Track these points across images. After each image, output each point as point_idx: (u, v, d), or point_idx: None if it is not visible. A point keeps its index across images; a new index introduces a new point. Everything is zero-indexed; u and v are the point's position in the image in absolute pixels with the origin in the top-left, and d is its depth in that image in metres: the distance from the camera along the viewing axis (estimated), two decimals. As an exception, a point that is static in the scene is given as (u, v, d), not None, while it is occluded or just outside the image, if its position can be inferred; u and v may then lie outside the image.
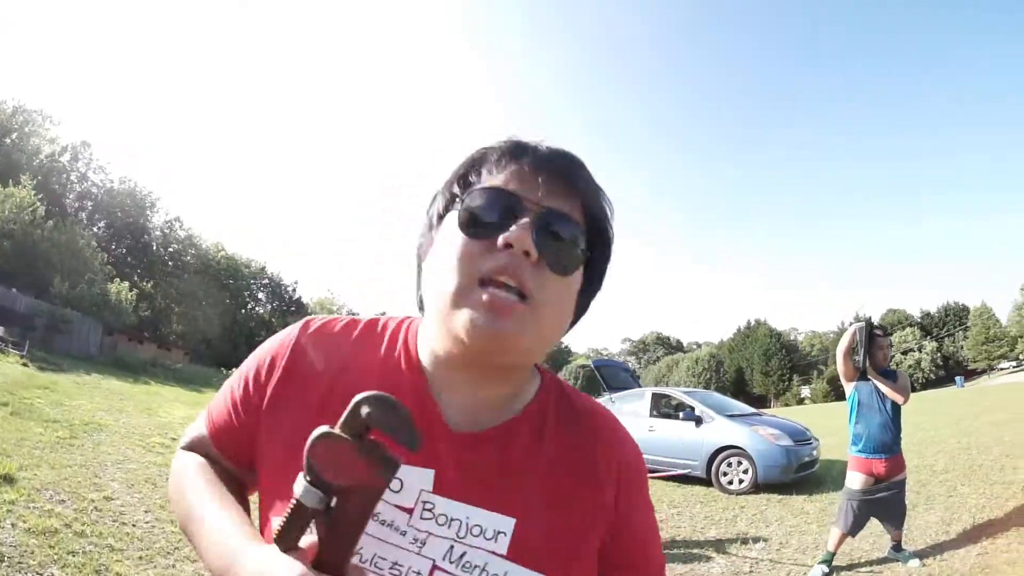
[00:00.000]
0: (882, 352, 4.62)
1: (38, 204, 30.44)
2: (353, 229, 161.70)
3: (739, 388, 71.26)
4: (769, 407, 53.46)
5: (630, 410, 9.86)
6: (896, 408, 4.55)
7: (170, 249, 51.06)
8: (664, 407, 10.40)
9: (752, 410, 10.85)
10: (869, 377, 4.60)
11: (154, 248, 49.72)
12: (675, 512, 6.73)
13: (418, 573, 0.62)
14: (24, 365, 13.52)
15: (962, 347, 69.23)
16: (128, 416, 9.78)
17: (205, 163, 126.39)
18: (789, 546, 5.32)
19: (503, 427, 0.69)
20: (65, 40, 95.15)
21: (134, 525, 4.33)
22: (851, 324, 4.76)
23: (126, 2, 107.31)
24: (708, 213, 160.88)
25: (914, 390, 5.01)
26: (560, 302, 0.67)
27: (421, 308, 0.74)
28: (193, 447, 0.81)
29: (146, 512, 4.68)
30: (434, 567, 0.62)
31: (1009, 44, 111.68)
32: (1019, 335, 61.95)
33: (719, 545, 5.44)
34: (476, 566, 0.62)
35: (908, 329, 69.60)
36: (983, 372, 61.95)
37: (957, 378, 47.37)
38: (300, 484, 0.51)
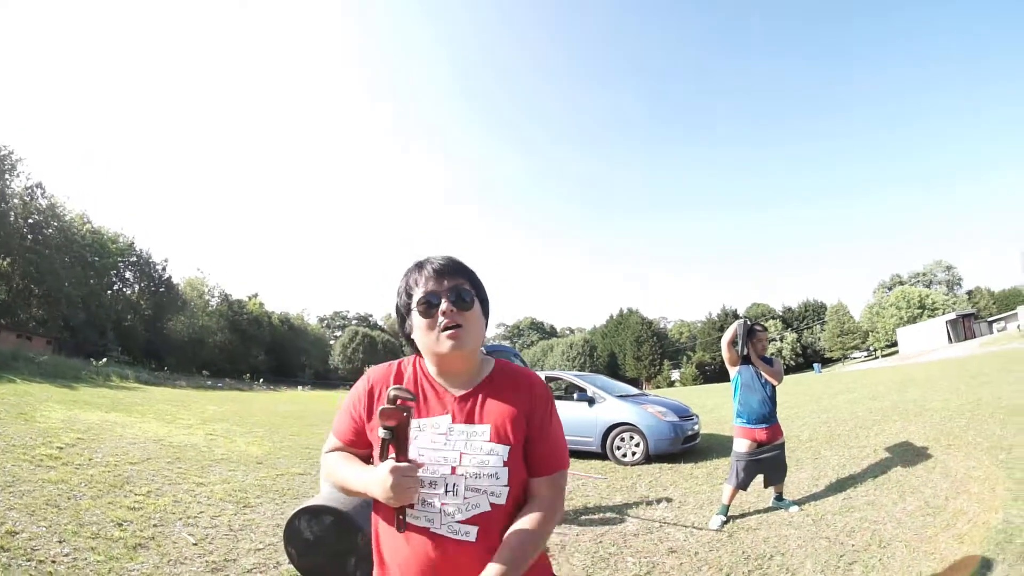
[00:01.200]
0: (762, 343, 5.55)
1: None
2: (228, 201, 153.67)
3: (612, 372, 74.25)
4: (641, 389, 55.80)
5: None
6: (773, 387, 5.49)
7: (30, 221, 42.06)
8: (556, 389, 10.98)
9: (638, 391, 11.63)
10: (751, 362, 5.47)
11: (12, 219, 40.10)
12: (580, 483, 7.23)
13: (454, 458, 1.38)
14: None
15: (819, 338, 76.93)
16: (1, 425, 8.41)
17: (69, 120, 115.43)
18: (688, 504, 5.96)
19: (476, 388, 1.47)
20: None
21: (53, 561, 3.68)
22: (734, 321, 5.67)
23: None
24: (589, 207, 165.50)
25: (780, 375, 5.88)
26: (475, 322, 1.46)
27: (413, 347, 1.54)
28: (331, 450, 1.57)
29: (61, 543, 3.99)
30: (461, 454, 1.38)
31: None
32: (870, 330, 69.79)
33: (627, 508, 5.97)
34: (478, 447, 1.39)
35: (771, 321, 76.07)
36: (838, 360, 68.91)
37: (815, 365, 51.61)
38: (379, 431, 1.31)
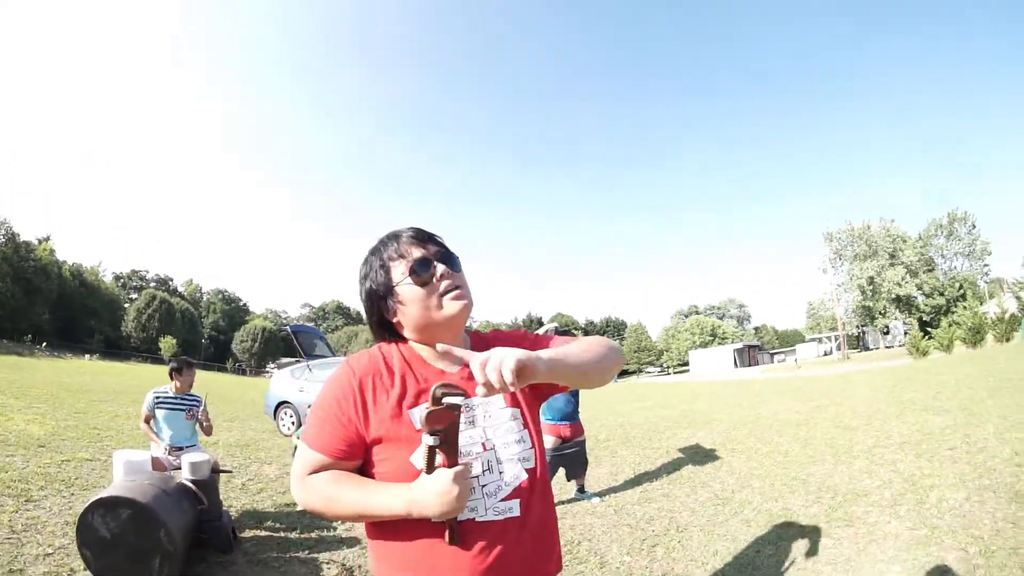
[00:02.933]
0: None
1: None
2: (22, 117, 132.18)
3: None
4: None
5: (327, 377, 9.84)
6: (576, 392, 5.64)
7: None
8: None
9: None
10: None
11: None
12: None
13: (480, 435, 1.29)
14: None
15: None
16: None
17: None
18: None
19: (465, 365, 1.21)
20: None
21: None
22: (546, 326, 5.76)
23: None
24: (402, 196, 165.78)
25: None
26: (467, 283, 1.34)
27: (390, 335, 1.38)
28: (315, 471, 1.25)
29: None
30: (484, 428, 1.30)
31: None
32: (665, 349, 77.99)
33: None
34: (497, 416, 1.32)
35: (575, 332, 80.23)
36: (634, 373, 75.04)
37: (611, 375, 55.71)
38: (425, 437, 1.10)
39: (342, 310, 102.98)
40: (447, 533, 1.17)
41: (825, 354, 50.44)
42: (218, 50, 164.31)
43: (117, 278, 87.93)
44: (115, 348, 63.42)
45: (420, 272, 1.26)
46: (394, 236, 1.34)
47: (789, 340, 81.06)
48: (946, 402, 8.42)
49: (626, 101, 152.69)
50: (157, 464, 4.27)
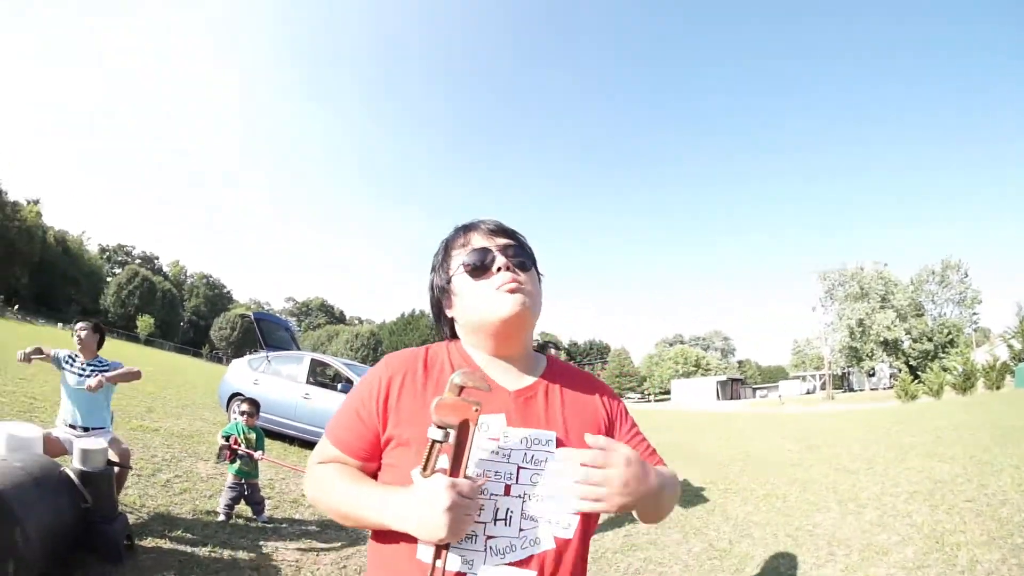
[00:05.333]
0: None
1: None
2: (26, 76, 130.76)
3: (394, 371, 74.61)
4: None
5: (287, 372, 9.20)
6: None
7: None
8: (321, 375, 9.89)
9: None
10: None
11: None
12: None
13: (510, 473, 1.01)
14: None
15: (599, 375, 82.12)
16: None
17: None
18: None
19: (533, 385, 1.13)
20: None
21: None
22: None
23: None
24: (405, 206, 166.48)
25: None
26: (536, 287, 1.16)
27: (452, 333, 1.23)
28: (327, 461, 1.12)
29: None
30: (519, 468, 1.02)
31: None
32: (647, 376, 77.48)
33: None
34: (540, 460, 1.03)
35: (557, 352, 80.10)
36: (614, 397, 74.28)
37: (593, 399, 55.73)
38: (432, 430, 0.91)
39: (326, 308, 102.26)
40: (431, 567, 0.91)
41: (808, 392, 50.46)
42: (223, 41, 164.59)
43: (103, 250, 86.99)
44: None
45: (476, 262, 1.12)
46: (468, 226, 1.20)
47: (772, 376, 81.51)
48: (949, 448, 8.06)
49: (625, 126, 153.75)
50: (52, 445, 3.76)
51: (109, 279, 76.83)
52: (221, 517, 4.70)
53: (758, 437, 12.62)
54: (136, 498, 4.81)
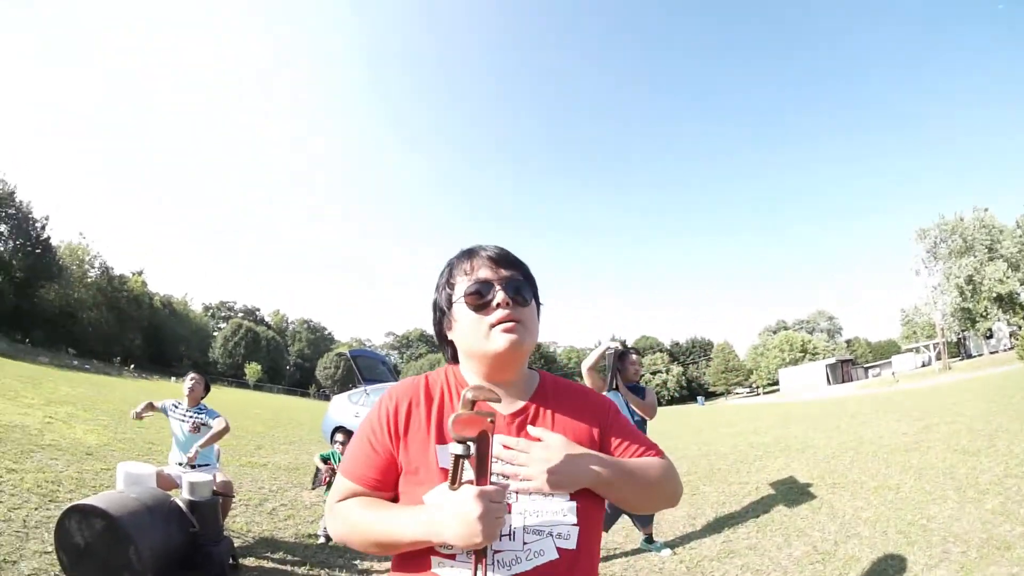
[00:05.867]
0: (633, 368, 4.86)
1: None
2: (123, 162, 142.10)
3: (497, 394, 75.73)
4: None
5: None
6: (643, 419, 4.67)
7: None
8: None
9: None
10: (620, 391, 4.71)
11: None
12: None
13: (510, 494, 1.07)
14: None
15: (704, 373, 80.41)
16: None
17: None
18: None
19: (525, 407, 1.19)
20: None
21: None
22: (604, 345, 4.86)
23: None
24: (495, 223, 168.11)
25: (661, 405, 5.14)
26: (533, 320, 1.20)
27: (454, 357, 1.28)
28: (345, 498, 1.17)
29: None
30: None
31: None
32: (753, 368, 73.43)
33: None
34: None
35: (658, 354, 79.68)
36: (722, 394, 71.88)
37: (699, 397, 53.36)
38: (452, 446, 0.95)
39: (425, 338, 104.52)
40: (474, 569, 0.98)
41: (924, 364, 46.53)
42: (305, 84, 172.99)
43: (206, 308, 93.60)
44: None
45: (476, 295, 1.16)
46: (472, 251, 1.24)
47: (884, 352, 75.57)
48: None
49: (711, 119, 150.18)
50: (164, 480, 4.19)
51: (215, 333, 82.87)
52: (321, 539, 5.05)
53: (871, 422, 11.78)
54: (244, 524, 5.20)
